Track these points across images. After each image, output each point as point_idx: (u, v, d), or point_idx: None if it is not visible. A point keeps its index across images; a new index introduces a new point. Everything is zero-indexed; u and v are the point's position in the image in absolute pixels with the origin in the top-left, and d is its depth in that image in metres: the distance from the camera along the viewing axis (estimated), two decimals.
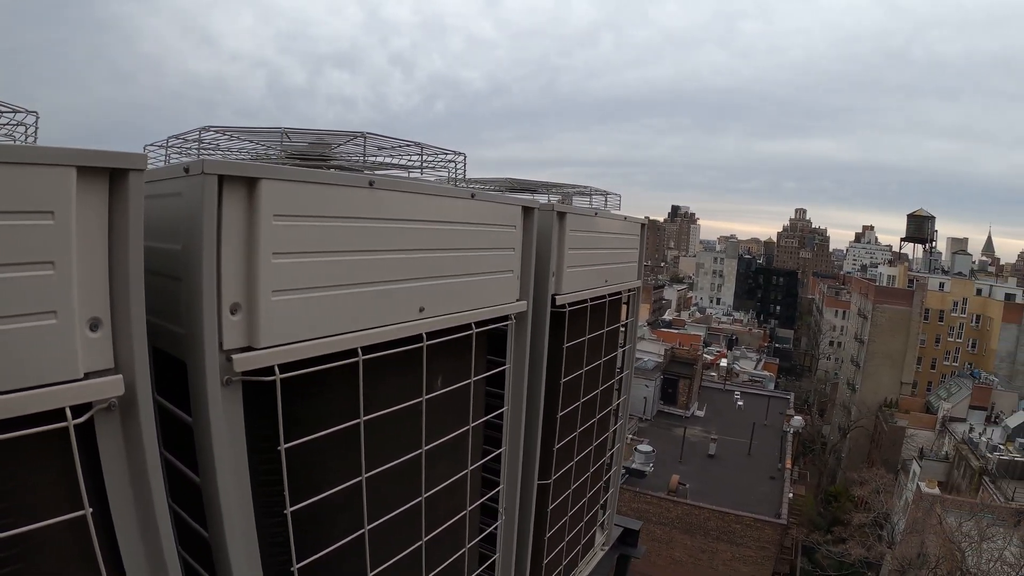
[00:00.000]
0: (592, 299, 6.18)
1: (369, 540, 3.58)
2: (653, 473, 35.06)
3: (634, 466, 34.73)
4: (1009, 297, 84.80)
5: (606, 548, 8.94)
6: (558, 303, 5.41)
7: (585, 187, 7.83)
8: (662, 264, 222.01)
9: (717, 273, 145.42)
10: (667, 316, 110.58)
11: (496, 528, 5.35)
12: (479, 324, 4.23)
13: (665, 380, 48.70)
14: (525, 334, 5.02)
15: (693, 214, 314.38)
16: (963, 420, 63.31)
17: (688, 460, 40.49)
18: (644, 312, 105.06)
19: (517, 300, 4.75)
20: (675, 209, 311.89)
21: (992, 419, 62.92)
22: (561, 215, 5.35)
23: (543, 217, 5.08)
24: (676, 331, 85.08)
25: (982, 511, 33.76)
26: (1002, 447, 53.50)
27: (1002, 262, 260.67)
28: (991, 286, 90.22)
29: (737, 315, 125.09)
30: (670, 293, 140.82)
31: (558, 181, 7.59)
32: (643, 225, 8.17)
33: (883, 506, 40.63)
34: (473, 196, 4.12)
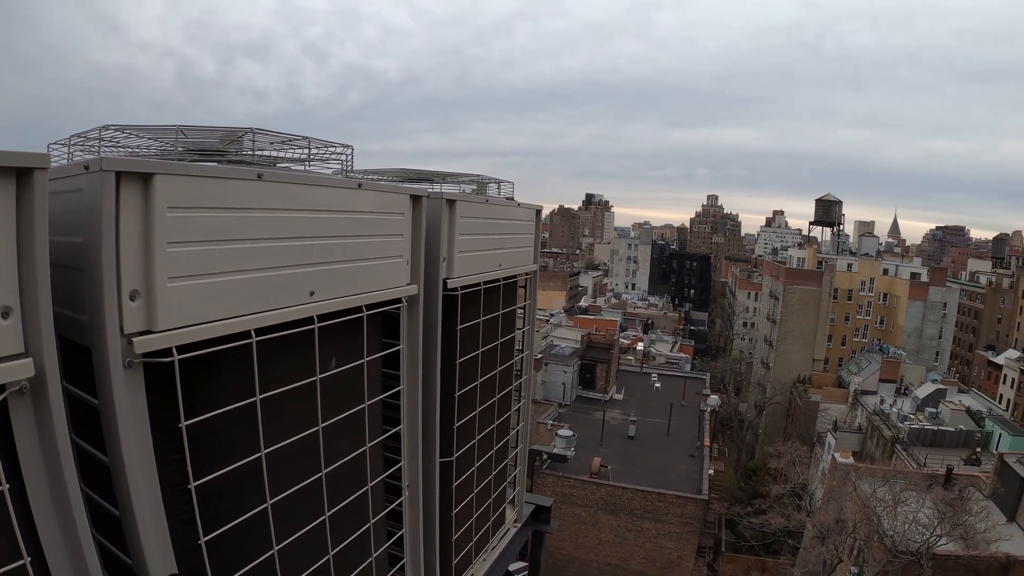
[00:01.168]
0: (486, 283, 6.56)
1: (272, 515, 3.88)
2: (575, 457, 35.83)
3: (556, 451, 35.47)
4: (914, 276, 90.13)
5: (518, 524, 9.36)
6: (450, 287, 5.75)
7: (479, 176, 8.23)
8: (577, 251, 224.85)
9: (632, 259, 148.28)
10: (583, 303, 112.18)
11: (401, 504, 5.68)
12: (369, 307, 4.54)
13: (583, 366, 49.71)
14: (417, 316, 5.35)
15: (608, 202, 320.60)
16: (874, 393, 66.88)
17: (609, 443, 41.45)
18: (560, 299, 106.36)
19: (408, 284, 5.08)
20: (590, 197, 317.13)
21: (901, 391, 66.78)
22: (451, 202, 5.69)
23: (433, 205, 5.42)
24: (592, 317, 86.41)
25: (895, 477, 35.69)
26: (912, 417, 56.89)
27: (908, 243, 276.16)
28: (897, 266, 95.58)
29: (652, 300, 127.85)
30: (586, 280, 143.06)
31: (453, 171, 7.97)
32: (538, 211, 8.62)
33: (800, 477, 42.48)
34: (360, 186, 4.45)
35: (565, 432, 36.30)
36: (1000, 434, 53.54)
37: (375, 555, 5.15)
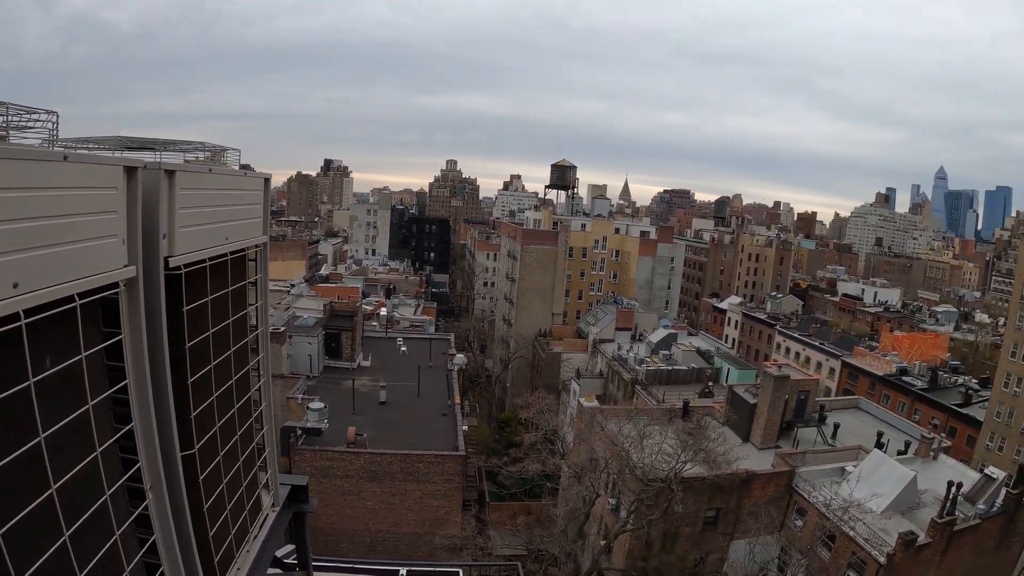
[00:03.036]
0: (212, 258, 6.18)
1: (5, 545, 3.40)
2: (330, 428, 35.31)
3: (309, 425, 34.67)
4: (644, 234, 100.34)
5: (276, 508, 9.10)
6: (172, 265, 5.33)
7: (202, 143, 7.72)
8: (316, 219, 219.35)
9: (372, 225, 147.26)
10: (324, 271, 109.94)
11: (147, 508, 5.25)
12: (83, 295, 4.12)
13: (327, 335, 48.83)
14: (138, 301, 4.95)
15: (347, 167, 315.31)
16: (611, 341, 73.35)
17: (362, 411, 41.26)
18: (300, 268, 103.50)
19: (125, 266, 4.65)
20: (328, 163, 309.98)
21: (637, 337, 73.95)
22: (170, 173, 5.25)
23: (150, 177, 4.96)
24: (334, 285, 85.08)
25: (638, 415, 39.22)
26: (648, 360, 63.26)
27: (638, 205, 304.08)
28: (628, 225, 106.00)
29: (393, 264, 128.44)
30: (325, 248, 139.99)
31: (176, 139, 7.39)
32: (266, 180, 8.28)
33: (550, 424, 45.07)
34: (66, 158, 3.97)
35: (316, 404, 35.59)
36: (728, 369, 61.68)
37: (129, 568, 4.77)
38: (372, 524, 35.68)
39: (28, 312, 3.61)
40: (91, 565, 4.23)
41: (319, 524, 31.91)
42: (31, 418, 3.71)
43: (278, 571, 9.41)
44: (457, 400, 45.51)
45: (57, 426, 3.92)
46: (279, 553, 8.92)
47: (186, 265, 5.55)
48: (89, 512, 4.28)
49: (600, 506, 37.57)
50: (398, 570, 16.26)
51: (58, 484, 3.89)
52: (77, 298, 4.06)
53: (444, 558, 31.26)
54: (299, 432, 34.33)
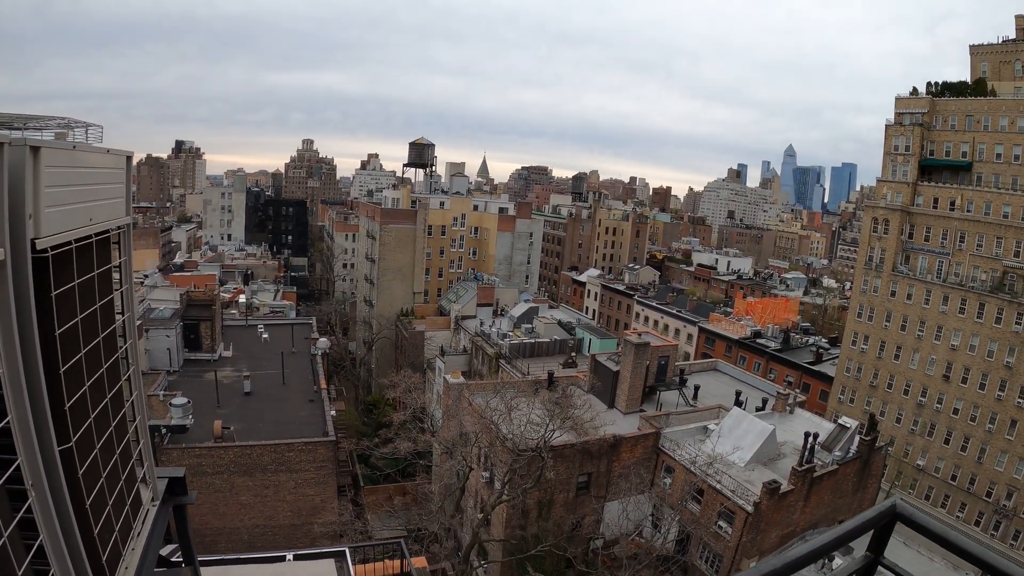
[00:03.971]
0: (78, 240, 5.85)
1: None
2: (195, 424, 33.98)
3: (173, 422, 33.13)
4: (502, 211, 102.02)
5: (156, 502, 8.76)
6: (39, 247, 5.01)
7: (65, 119, 7.29)
8: (168, 204, 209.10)
9: (226, 209, 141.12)
10: (178, 259, 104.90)
11: (31, 509, 4.96)
12: None
13: (185, 326, 46.73)
14: (7, 285, 4.67)
15: (199, 149, 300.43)
16: (474, 317, 74.07)
17: (226, 403, 39.95)
18: (153, 257, 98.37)
19: None
20: (179, 144, 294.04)
21: (498, 313, 74.77)
22: (35, 150, 4.93)
23: (14, 153, 4.66)
24: (190, 274, 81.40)
25: (504, 388, 39.76)
26: (511, 334, 64.22)
27: (496, 182, 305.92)
28: (486, 202, 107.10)
29: (250, 249, 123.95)
30: (179, 235, 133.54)
31: (36, 114, 6.94)
32: (128, 157, 7.89)
33: (418, 402, 45.18)
34: None
35: (179, 400, 34.04)
36: (590, 339, 63.74)
37: (21, 571, 4.48)
38: (248, 519, 34.78)
39: None
40: None
41: (193, 525, 30.76)
42: None
43: (164, 570, 9.07)
44: (323, 385, 44.94)
45: None
46: (164, 552, 8.60)
47: (52, 248, 5.22)
48: None
49: (474, 480, 38.13)
50: (284, 555, 15.95)
51: None
52: None
53: (325, 546, 30.97)
54: (163, 431, 32.81)
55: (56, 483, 5.34)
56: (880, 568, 2.74)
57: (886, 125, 69.85)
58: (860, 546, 2.85)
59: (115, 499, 6.91)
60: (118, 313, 7.71)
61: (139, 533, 7.69)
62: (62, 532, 5.31)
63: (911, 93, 69.19)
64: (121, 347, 7.78)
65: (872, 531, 2.72)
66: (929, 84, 68.54)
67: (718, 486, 32.65)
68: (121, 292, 7.83)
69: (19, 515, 4.72)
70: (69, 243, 5.67)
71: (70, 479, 5.65)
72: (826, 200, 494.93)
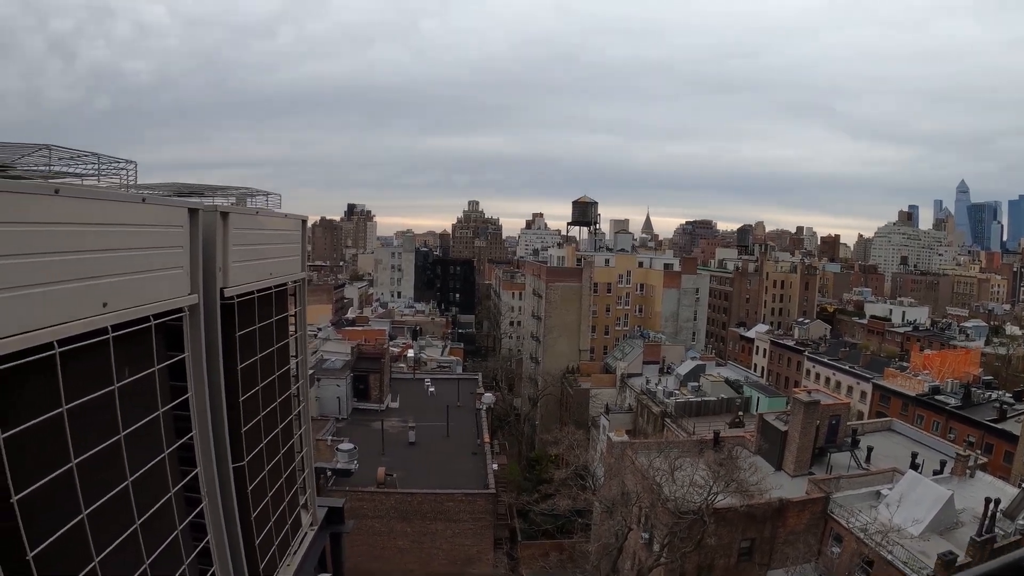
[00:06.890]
0: (259, 290, 6.90)
1: (89, 525, 4.03)
2: (360, 469, 35.42)
3: (339, 466, 34.74)
4: (667, 266, 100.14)
5: (315, 527, 9.66)
6: (227, 295, 6.05)
7: (247, 188, 8.51)
8: (341, 263, 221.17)
9: (396, 267, 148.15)
10: (350, 315, 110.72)
11: (202, 512, 5.87)
12: (157, 316, 4.81)
13: (355, 377, 49.31)
14: (199, 324, 5.66)
15: (369, 211, 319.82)
16: (639, 375, 72.83)
17: (391, 451, 41.44)
18: (327, 313, 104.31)
19: (189, 294, 5.37)
20: (351, 208, 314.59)
21: (664, 370, 73.39)
22: (224, 215, 6.01)
23: (208, 217, 5.73)
24: (361, 328, 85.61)
25: (668, 447, 38.88)
26: (677, 392, 62.78)
27: (661, 237, 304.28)
28: (651, 258, 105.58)
29: (419, 306, 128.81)
30: (351, 291, 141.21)
31: (223, 184, 8.19)
32: (303, 221, 9.05)
33: (580, 460, 44.75)
34: (144, 200, 4.70)
35: (346, 446, 35.78)
36: (758, 397, 60.93)
37: (187, 563, 5.34)
38: (403, 563, 35.62)
39: (114, 328, 4.27)
40: (156, 554, 4.80)
41: (350, 564, 32.13)
42: (114, 417, 4.36)
43: None
44: (486, 439, 45.48)
45: (134, 426, 4.55)
46: None
47: (238, 296, 6.24)
48: (157, 505, 4.85)
49: (633, 540, 37.30)
50: None
51: (133, 477, 4.50)
52: (152, 319, 4.72)
53: None
54: (329, 473, 34.52)
55: (227, 494, 6.27)
56: None
57: None
58: None
59: (277, 517, 7.82)
60: (292, 356, 8.78)
61: (295, 552, 8.55)
62: (227, 537, 6.18)
63: None
64: (293, 386, 8.83)
65: None
66: None
67: (890, 557, 30.37)
68: (295, 338, 8.91)
69: (189, 517, 5.65)
70: (252, 293, 6.73)
71: (239, 493, 6.58)
72: (1005, 238, 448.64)
